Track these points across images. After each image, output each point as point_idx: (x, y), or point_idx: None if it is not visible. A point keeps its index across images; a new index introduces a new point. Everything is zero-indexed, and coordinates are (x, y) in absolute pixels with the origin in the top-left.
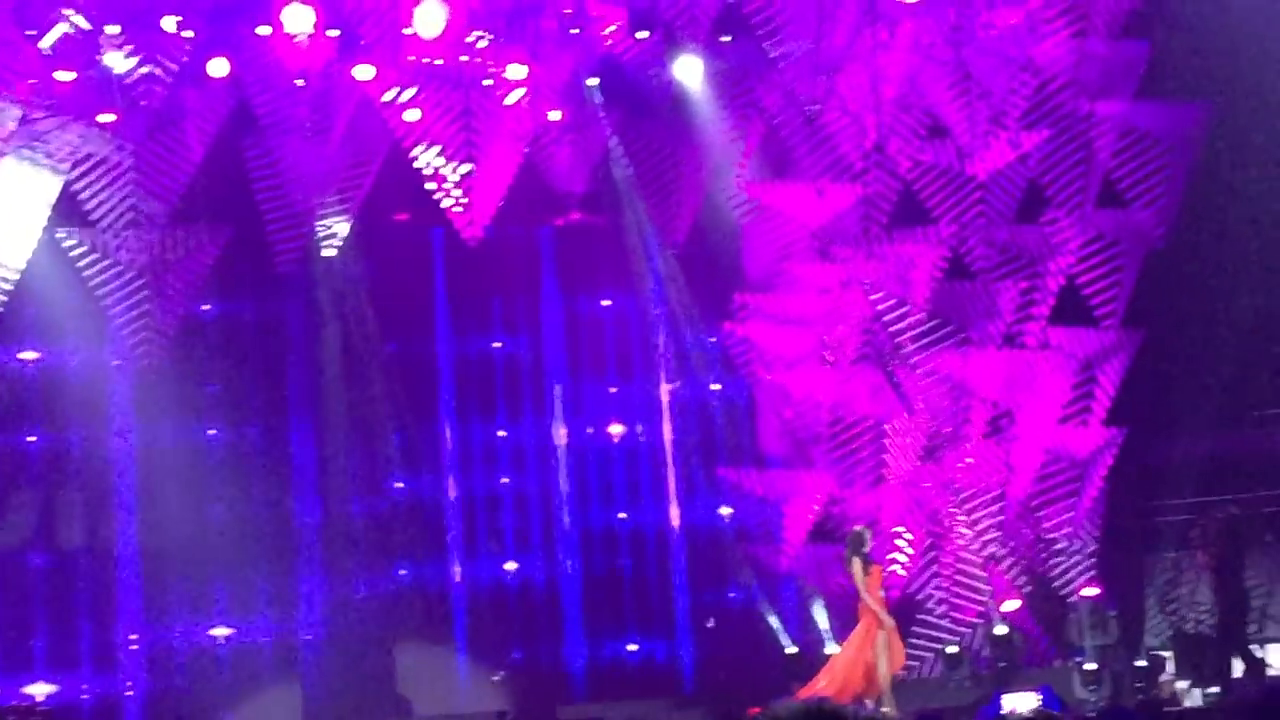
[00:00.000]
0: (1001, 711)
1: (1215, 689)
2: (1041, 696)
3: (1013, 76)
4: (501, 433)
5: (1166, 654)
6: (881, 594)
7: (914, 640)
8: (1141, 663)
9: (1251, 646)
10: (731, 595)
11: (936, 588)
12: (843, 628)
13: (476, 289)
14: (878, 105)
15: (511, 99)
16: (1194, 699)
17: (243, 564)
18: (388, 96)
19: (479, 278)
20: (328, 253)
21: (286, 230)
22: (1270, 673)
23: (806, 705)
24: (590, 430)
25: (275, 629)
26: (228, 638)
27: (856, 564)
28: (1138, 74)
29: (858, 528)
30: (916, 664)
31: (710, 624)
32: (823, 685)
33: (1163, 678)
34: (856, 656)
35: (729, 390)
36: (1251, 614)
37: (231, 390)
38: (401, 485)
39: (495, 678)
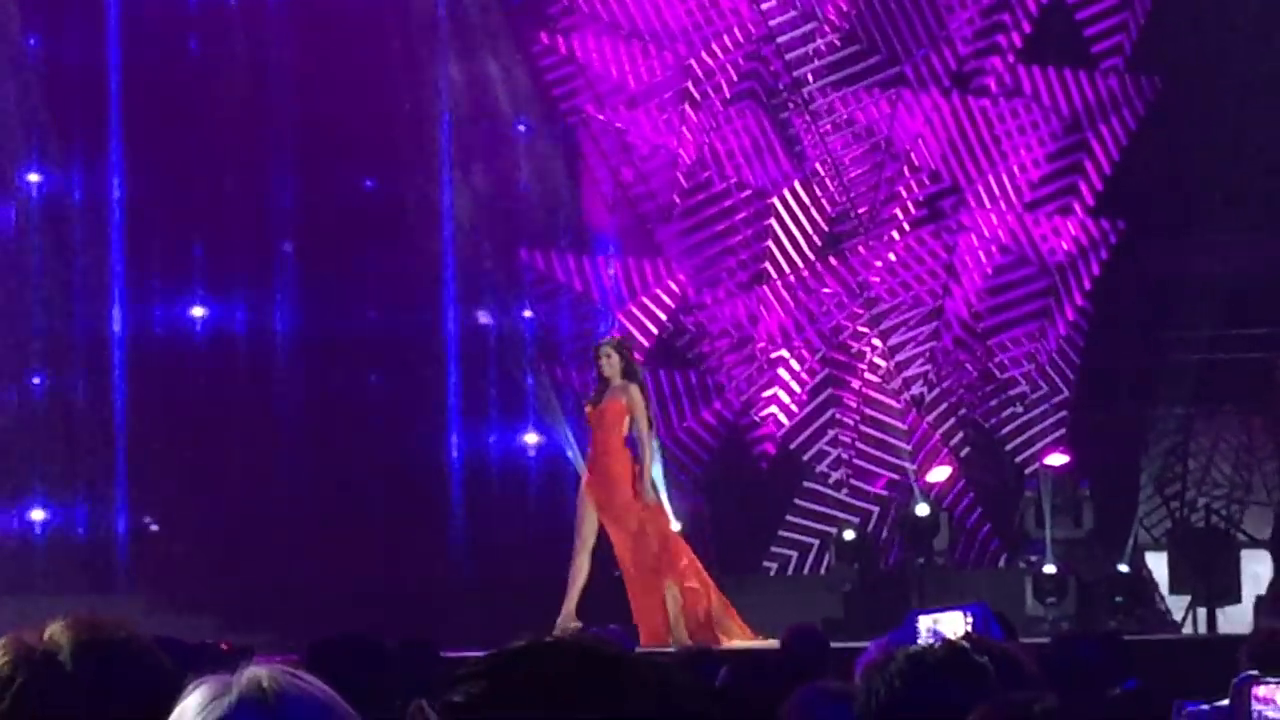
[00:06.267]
0: (919, 640)
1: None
2: (971, 618)
3: None
4: None
5: (1160, 555)
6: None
7: (794, 520)
8: (1124, 568)
9: None
10: (526, 442)
11: (831, 443)
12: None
13: None
14: None
15: None
16: (1197, 623)
17: None
18: None
19: None
20: None
21: None
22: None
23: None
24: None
25: None
26: None
27: (635, 394)
28: None
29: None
30: (792, 554)
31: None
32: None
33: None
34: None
35: (540, 136)
36: None
37: None
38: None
39: None
